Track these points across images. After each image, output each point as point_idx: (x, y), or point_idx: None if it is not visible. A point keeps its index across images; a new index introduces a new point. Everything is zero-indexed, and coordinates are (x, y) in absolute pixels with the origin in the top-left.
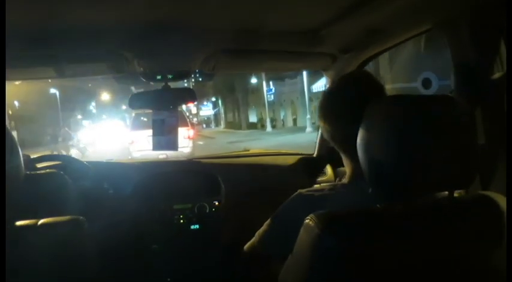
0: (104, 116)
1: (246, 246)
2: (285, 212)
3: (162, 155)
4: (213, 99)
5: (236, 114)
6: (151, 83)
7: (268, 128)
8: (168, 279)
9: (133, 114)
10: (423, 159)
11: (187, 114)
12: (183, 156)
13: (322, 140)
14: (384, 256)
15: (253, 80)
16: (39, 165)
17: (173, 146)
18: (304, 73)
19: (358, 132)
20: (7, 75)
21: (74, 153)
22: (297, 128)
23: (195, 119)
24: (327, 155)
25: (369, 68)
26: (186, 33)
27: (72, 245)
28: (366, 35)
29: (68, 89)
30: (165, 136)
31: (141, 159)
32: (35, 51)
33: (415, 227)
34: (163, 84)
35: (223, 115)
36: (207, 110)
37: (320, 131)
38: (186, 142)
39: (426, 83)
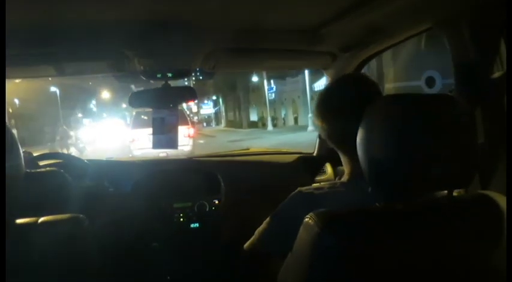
0: (105, 115)
1: (246, 245)
2: (284, 210)
3: (163, 153)
4: (214, 97)
5: (237, 112)
6: (152, 81)
7: (270, 127)
8: (168, 278)
9: (134, 113)
10: (423, 158)
11: (188, 112)
12: (183, 155)
13: (322, 139)
14: (384, 255)
15: (254, 79)
16: (41, 163)
17: (173, 144)
18: (306, 72)
19: (358, 131)
20: (7, 73)
21: (72, 152)
22: (298, 127)
23: (195, 118)
24: (327, 154)
25: (372, 66)
26: (187, 31)
27: (73, 242)
28: (366, 34)
29: (68, 87)
30: (165, 134)
31: (141, 158)
32: (35, 49)
33: (414, 226)
34: (164, 82)
35: (223, 114)
36: (208, 108)
37: None
38: (186, 140)
39: (430, 82)
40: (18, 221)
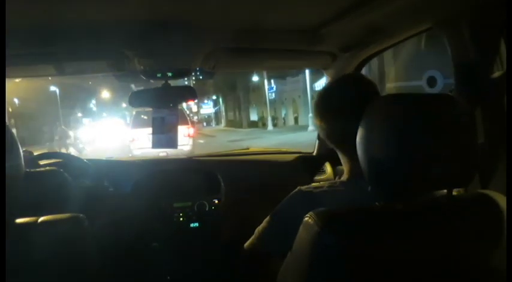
0: (104, 114)
1: (245, 244)
2: (284, 209)
3: (163, 153)
4: (214, 97)
5: (237, 112)
6: (152, 81)
7: (270, 127)
8: (168, 277)
9: (134, 112)
10: (423, 158)
11: (188, 112)
12: (183, 154)
13: (322, 139)
14: (383, 254)
15: (255, 78)
16: (41, 163)
17: (173, 144)
18: (307, 71)
19: (358, 131)
20: (7, 72)
21: (71, 152)
22: (299, 127)
23: (195, 117)
24: (327, 153)
25: (374, 66)
26: (187, 31)
27: (72, 242)
28: (366, 34)
29: (68, 86)
30: (164, 134)
31: (141, 157)
32: (35, 48)
33: (414, 225)
34: (164, 82)
35: (223, 113)
36: (208, 108)
37: None
38: (186, 140)
39: (431, 81)
40: (18, 220)
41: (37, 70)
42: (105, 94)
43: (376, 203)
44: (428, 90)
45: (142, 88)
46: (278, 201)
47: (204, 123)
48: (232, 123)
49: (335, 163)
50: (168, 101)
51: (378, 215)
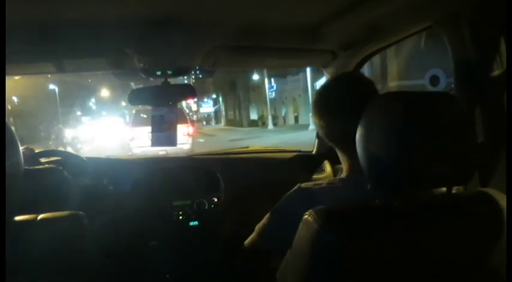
0: (104, 113)
1: (246, 242)
2: (284, 206)
3: (162, 151)
4: (214, 96)
5: (237, 111)
6: (151, 79)
7: (270, 126)
8: (167, 276)
9: (133, 111)
10: (422, 156)
11: (187, 111)
12: (182, 153)
13: (321, 137)
14: (383, 251)
15: (255, 77)
16: (43, 160)
17: (172, 142)
18: (308, 70)
19: (357, 129)
20: (7, 70)
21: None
22: (299, 126)
23: (195, 116)
24: (326, 152)
25: (376, 65)
26: (187, 29)
27: (72, 240)
28: (366, 32)
29: (67, 84)
30: (164, 132)
31: (140, 156)
32: (35, 46)
33: (413, 223)
34: (163, 80)
35: (223, 112)
36: (208, 107)
37: None
38: (185, 139)
39: (434, 80)
40: (17, 218)
41: (37, 67)
42: (105, 92)
43: (376, 201)
44: (430, 89)
45: (141, 86)
46: (277, 200)
47: (204, 122)
48: (232, 122)
49: (334, 162)
50: (168, 99)
51: (378, 213)
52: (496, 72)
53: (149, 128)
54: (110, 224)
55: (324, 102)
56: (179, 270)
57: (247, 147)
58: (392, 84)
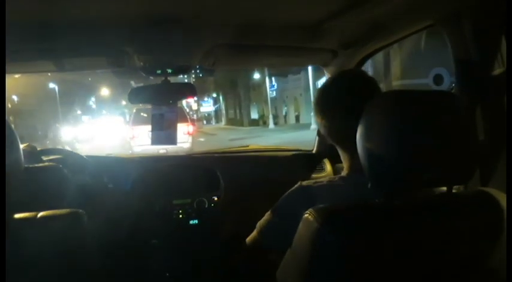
0: (104, 112)
1: (247, 239)
2: (285, 203)
3: (162, 150)
4: (214, 95)
5: (237, 110)
6: (151, 77)
7: (271, 125)
8: (167, 274)
9: (134, 110)
10: (422, 155)
11: (188, 110)
12: (182, 151)
13: (322, 136)
14: (383, 250)
15: (256, 76)
16: (43, 158)
17: (172, 140)
18: (310, 69)
19: (358, 128)
20: (7, 68)
21: None
22: (300, 125)
23: (195, 115)
24: (326, 151)
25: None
26: (187, 28)
27: (72, 238)
28: (366, 31)
29: (67, 83)
30: (164, 131)
31: (140, 154)
32: (35, 44)
33: (413, 222)
34: (163, 78)
35: (224, 111)
36: (208, 106)
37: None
38: (185, 138)
39: (437, 79)
40: (17, 215)
41: (37, 66)
42: (105, 91)
43: (376, 200)
44: (434, 88)
45: (142, 85)
46: (277, 199)
47: (204, 121)
48: (233, 122)
49: (334, 161)
50: (168, 97)
51: (378, 212)
52: (497, 71)
53: (149, 127)
54: (110, 222)
55: (325, 101)
56: (179, 269)
57: (247, 146)
58: (395, 83)
